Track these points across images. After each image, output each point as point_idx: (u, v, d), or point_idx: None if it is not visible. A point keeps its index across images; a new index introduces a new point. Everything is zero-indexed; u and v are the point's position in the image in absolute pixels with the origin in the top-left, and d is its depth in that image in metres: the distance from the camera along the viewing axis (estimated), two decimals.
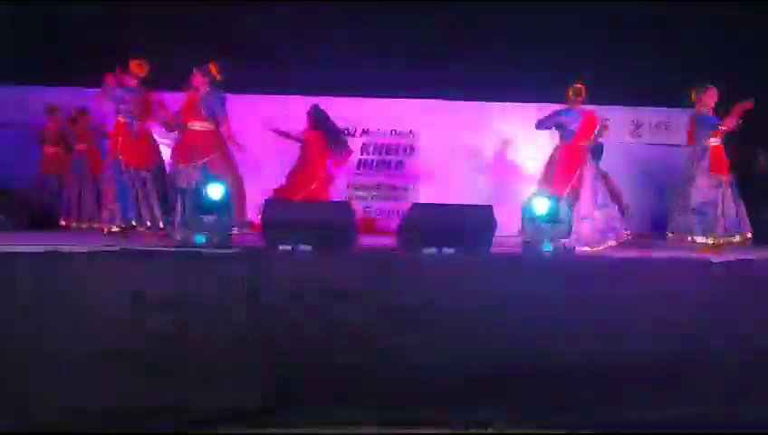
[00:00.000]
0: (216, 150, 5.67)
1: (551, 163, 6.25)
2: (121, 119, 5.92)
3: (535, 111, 8.51)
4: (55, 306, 3.62)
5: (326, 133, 7.21)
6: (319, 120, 7.21)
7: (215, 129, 5.71)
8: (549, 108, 8.44)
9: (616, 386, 3.84)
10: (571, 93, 6.17)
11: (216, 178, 5.12)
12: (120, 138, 5.88)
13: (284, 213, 4.36)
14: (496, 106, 8.55)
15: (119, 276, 3.72)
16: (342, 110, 8.41)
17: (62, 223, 7.07)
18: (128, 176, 5.78)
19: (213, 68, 5.70)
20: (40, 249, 3.84)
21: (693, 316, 3.94)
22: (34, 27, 7.55)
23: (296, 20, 7.66)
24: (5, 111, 8.12)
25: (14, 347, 3.54)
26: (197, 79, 5.72)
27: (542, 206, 4.57)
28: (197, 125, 5.70)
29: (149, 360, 3.63)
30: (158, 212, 5.75)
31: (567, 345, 3.85)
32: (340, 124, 8.19)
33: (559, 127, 6.24)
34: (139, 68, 5.92)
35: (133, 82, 5.94)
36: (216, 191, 4.43)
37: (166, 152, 6.16)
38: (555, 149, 6.29)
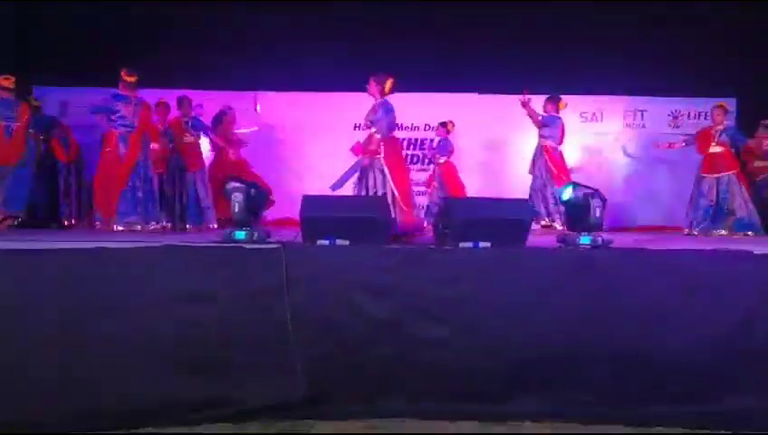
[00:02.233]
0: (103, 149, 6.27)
1: None
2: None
3: (577, 103, 8.54)
4: (98, 301, 3.72)
5: None
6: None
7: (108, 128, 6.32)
8: (588, 99, 8.48)
9: (653, 380, 3.82)
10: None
11: None
12: None
13: (322, 208, 4.39)
14: (535, 99, 8.47)
15: (162, 271, 3.80)
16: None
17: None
18: None
19: (122, 72, 6.19)
20: (84, 246, 3.94)
21: (732, 309, 3.88)
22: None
23: (332, 18, 7.70)
24: None
25: (58, 340, 3.65)
26: None
27: (565, 196, 4.56)
28: None
29: (189, 354, 3.72)
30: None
31: (605, 339, 3.83)
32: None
33: None
34: (6, 81, 6.45)
35: (4, 94, 6.45)
36: None
37: None
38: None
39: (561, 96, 7.11)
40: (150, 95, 7.19)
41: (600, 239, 4.31)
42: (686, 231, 6.82)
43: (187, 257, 3.90)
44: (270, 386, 3.70)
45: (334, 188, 8.20)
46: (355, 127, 8.55)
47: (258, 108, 8.12)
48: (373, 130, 6.00)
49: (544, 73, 7.81)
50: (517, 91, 8.20)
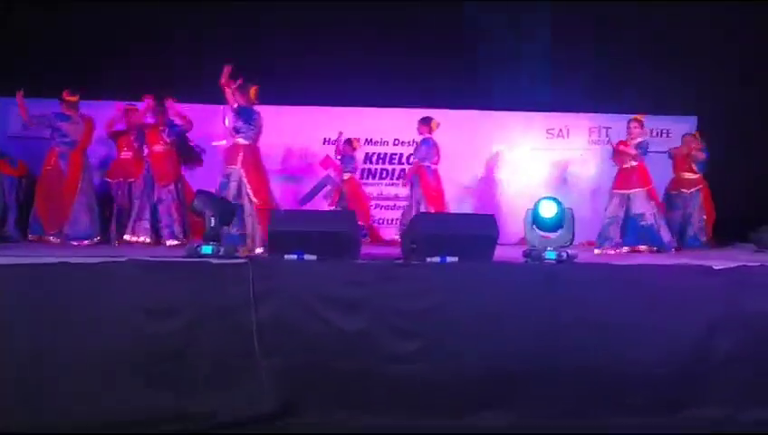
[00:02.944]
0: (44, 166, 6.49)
1: None
2: None
3: (543, 119, 8.68)
4: (65, 316, 3.68)
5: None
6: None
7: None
8: (555, 116, 8.62)
9: (619, 392, 3.87)
10: None
11: None
12: None
13: (289, 223, 4.38)
14: (499, 115, 8.62)
15: (127, 286, 3.77)
16: (345, 120, 8.50)
17: None
18: None
19: (64, 92, 6.48)
20: (50, 260, 3.89)
21: (695, 323, 3.96)
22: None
23: (300, 32, 7.73)
24: None
25: (27, 354, 3.61)
26: None
27: (546, 212, 4.59)
28: None
29: (156, 367, 3.69)
30: None
31: (570, 352, 3.88)
32: (344, 135, 8.29)
33: None
34: None
35: None
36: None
37: None
38: None
39: (433, 118, 7.41)
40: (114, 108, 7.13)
41: (565, 254, 4.37)
42: (597, 252, 6.41)
43: (152, 272, 3.86)
44: (238, 400, 3.67)
45: (302, 202, 8.23)
46: (324, 141, 8.58)
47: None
48: (238, 139, 5.83)
49: (511, 91, 7.94)
50: (485, 107, 8.39)
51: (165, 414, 3.60)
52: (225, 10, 7.62)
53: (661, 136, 8.36)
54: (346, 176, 7.97)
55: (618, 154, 6.71)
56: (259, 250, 5.47)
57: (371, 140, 8.71)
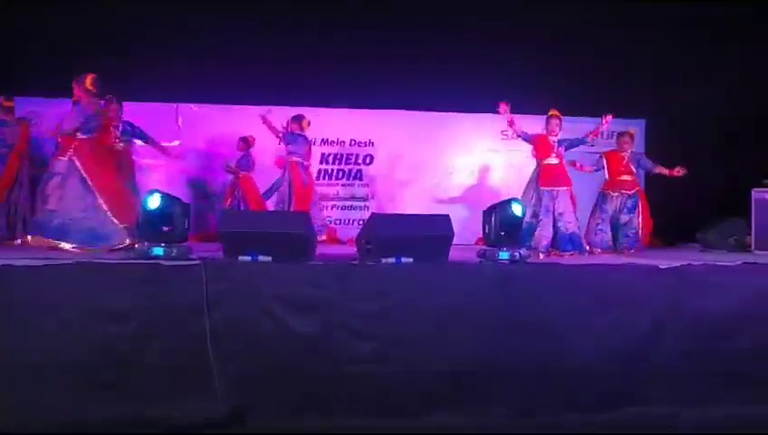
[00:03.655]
0: None
1: None
2: None
3: (499, 121, 8.74)
4: (11, 320, 3.60)
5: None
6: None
7: None
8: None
9: (571, 390, 3.95)
10: None
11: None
12: None
13: (243, 223, 4.34)
14: (455, 116, 8.69)
15: (75, 289, 3.68)
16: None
17: None
18: None
19: (1, 99, 6.61)
20: None
21: (641, 320, 4.07)
22: None
23: (260, 32, 7.66)
24: None
25: None
26: None
27: (518, 213, 4.68)
28: None
29: (110, 373, 3.63)
30: None
31: (524, 351, 3.94)
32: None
33: None
34: None
35: None
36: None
37: None
38: None
39: (305, 116, 7.57)
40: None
41: (517, 254, 4.44)
42: (543, 255, 6.07)
43: (102, 275, 3.78)
44: (193, 404, 3.63)
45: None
46: (279, 140, 8.51)
47: (180, 121, 7.94)
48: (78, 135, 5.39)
49: (467, 93, 8.00)
50: (443, 109, 8.46)
51: (119, 419, 3.54)
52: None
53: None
54: (241, 174, 7.93)
55: (540, 147, 6.50)
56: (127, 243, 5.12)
57: (328, 140, 8.68)
